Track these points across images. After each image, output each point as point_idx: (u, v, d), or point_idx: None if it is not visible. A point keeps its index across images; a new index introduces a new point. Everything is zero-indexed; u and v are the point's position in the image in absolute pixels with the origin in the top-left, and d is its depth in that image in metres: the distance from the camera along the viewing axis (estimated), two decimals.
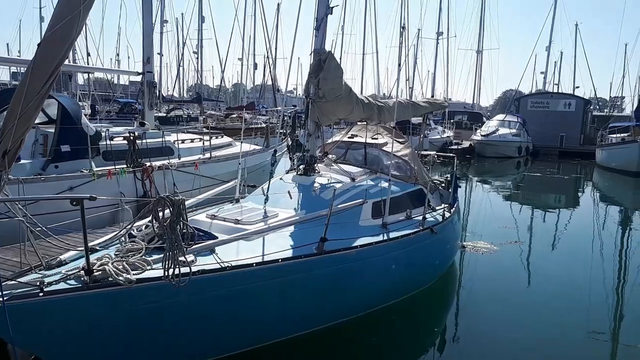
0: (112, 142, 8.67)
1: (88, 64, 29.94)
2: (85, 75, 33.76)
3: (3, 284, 3.64)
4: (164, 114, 32.98)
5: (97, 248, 4.37)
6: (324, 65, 6.85)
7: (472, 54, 46.45)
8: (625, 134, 27.72)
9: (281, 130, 15.39)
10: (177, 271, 3.82)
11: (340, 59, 47.03)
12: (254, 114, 42.02)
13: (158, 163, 8.79)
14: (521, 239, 11.31)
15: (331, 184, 6.91)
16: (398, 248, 6.20)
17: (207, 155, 10.58)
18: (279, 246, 5.18)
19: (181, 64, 48.81)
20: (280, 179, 7.23)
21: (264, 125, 29.30)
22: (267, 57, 47.55)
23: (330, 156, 7.77)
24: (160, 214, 4.05)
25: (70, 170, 7.96)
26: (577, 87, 55.78)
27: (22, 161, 7.59)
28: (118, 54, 55.21)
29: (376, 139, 8.54)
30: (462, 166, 25.58)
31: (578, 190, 22.70)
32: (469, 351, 6.02)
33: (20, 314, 3.45)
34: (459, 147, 31.14)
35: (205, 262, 4.42)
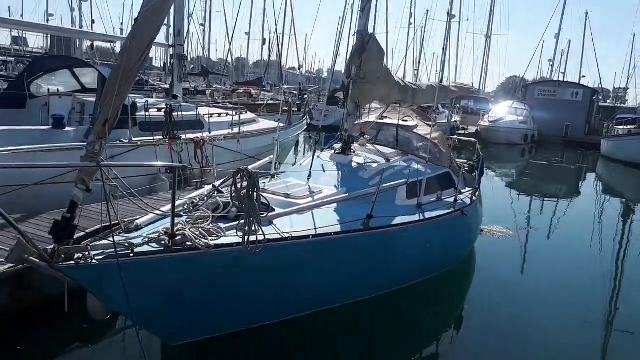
0: (149, 114, 8.88)
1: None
2: (88, 43, 33.62)
3: (92, 244, 3.93)
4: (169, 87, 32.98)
5: (182, 214, 4.61)
6: (367, 47, 7.05)
7: (481, 38, 46.11)
8: (632, 126, 27.96)
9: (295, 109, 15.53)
10: (253, 238, 4.11)
11: (349, 38, 46.84)
12: (259, 90, 41.95)
13: (201, 135, 8.93)
14: (534, 226, 11.66)
15: (368, 164, 7.19)
16: (433, 228, 6.50)
17: (236, 130, 10.80)
18: (327, 221, 5.45)
19: (186, 37, 48.50)
20: (318, 157, 7.47)
21: (271, 102, 29.40)
22: (276, 33, 47.30)
23: (366, 136, 8.02)
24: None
25: (109, 140, 8.14)
26: (584, 77, 55.93)
27: (67, 129, 7.82)
28: (122, 23, 54.74)
29: (406, 121, 8.77)
30: (468, 151, 25.84)
31: (585, 180, 23.07)
32: (483, 325, 6.46)
33: (113, 273, 3.73)
34: (466, 132, 31.36)
35: (267, 232, 4.70)
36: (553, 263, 9.24)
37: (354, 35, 7.18)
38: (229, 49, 50.07)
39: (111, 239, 3.99)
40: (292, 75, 63.46)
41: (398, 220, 6.02)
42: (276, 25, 41.20)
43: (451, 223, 6.95)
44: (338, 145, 7.79)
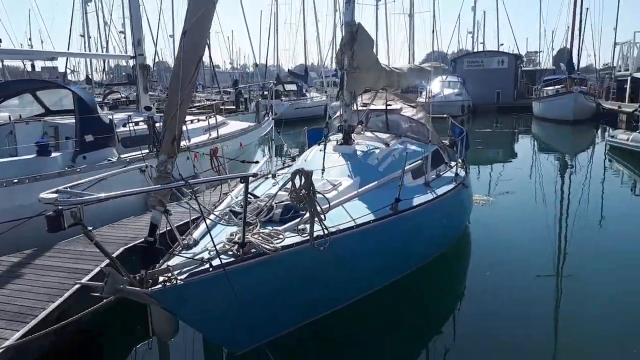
0: (127, 129, 8.57)
1: None
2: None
3: (168, 263, 3.83)
4: (101, 99, 31.56)
5: (251, 221, 4.55)
6: (357, 37, 7.16)
7: (405, 18, 47.33)
8: (559, 86, 29.88)
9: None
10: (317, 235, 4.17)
11: (277, 29, 46.76)
12: (194, 91, 40.80)
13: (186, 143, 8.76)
14: (510, 190, 12.36)
15: (371, 150, 7.35)
16: (448, 203, 6.78)
17: (214, 135, 10.61)
18: (359, 209, 5.55)
19: (106, 46, 46.25)
20: (320, 150, 7.53)
21: (207, 102, 28.85)
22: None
23: (363, 124, 8.17)
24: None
25: (96, 160, 7.86)
26: (502, 45, 58.88)
27: (53, 155, 7.42)
28: (30, 38, 51.40)
29: (390, 105, 8.98)
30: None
31: (529, 140, 24.62)
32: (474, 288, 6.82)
33: (197, 289, 3.67)
34: None
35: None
36: (541, 223, 9.74)
37: (341, 27, 7.27)
38: (155, 52, 48.36)
39: (181, 256, 3.93)
40: (219, 74, 62.31)
41: (417, 200, 6.23)
42: None
43: (458, 196, 7.28)
44: (334, 137, 7.90)
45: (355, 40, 7.15)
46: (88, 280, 4.69)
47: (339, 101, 7.91)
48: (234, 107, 27.55)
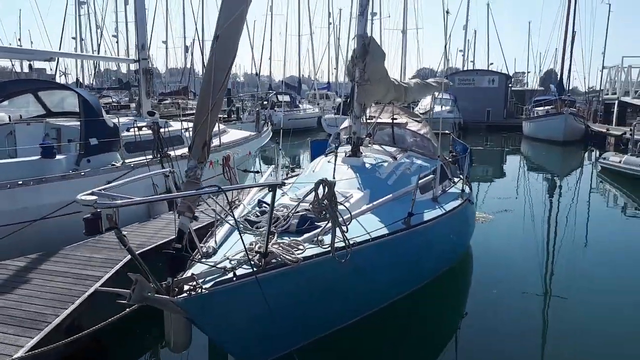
0: (131, 134, 8.47)
1: None
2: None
3: (191, 273, 3.73)
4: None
5: (274, 231, 4.48)
6: (369, 49, 7.19)
7: (398, 33, 47.77)
8: (549, 107, 30.34)
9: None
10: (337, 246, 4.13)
11: (271, 40, 46.90)
12: (186, 99, 40.77)
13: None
14: (508, 208, 12.45)
15: (380, 164, 7.33)
16: (457, 218, 6.78)
17: (216, 142, 10.51)
18: (372, 222, 5.52)
19: (98, 49, 45.91)
20: (328, 161, 7.49)
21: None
22: (196, 39, 46.22)
23: (370, 137, 8.16)
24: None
25: (100, 164, 7.73)
26: (491, 64, 59.72)
27: (58, 157, 7.28)
28: (19, 39, 50.77)
29: (396, 119, 9.00)
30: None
31: (522, 161, 24.90)
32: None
33: (225, 298, 3.59)
34: None
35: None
36: (541, 242, 9.82)
37: (353, 39, 7.29)
38: (148, 60, 47.99)
39: (203, 264, 3.84)
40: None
41: (427, 215, 6.21)
42: (196, 30, 40.26)
43: (465, 212, 7.29)
44: (341, 149, 7.88)
45: (367, 53, 7.17)
46: (99, 287, 4.56)
47: (340, 113, 7.91)
48: (225, 116, 27.47)
